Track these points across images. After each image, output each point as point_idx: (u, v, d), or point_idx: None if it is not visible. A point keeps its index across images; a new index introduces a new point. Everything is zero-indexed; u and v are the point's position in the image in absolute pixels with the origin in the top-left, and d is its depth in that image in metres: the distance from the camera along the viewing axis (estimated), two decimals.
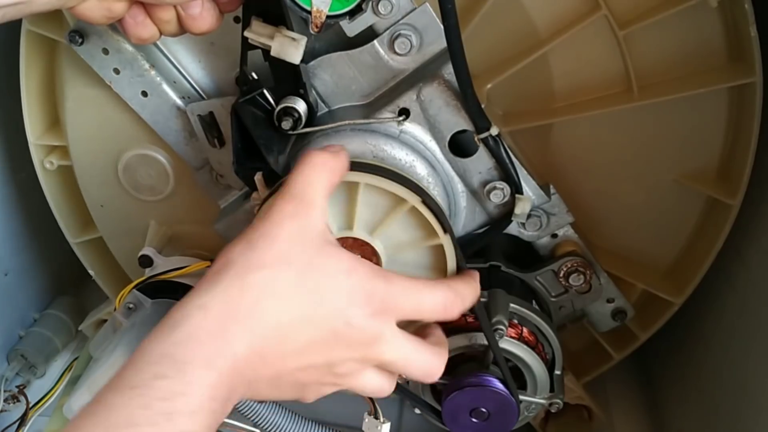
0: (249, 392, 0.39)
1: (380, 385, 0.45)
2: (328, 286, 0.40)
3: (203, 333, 0.37)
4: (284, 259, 0.40)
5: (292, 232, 0.41)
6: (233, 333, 0.37)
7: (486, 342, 0.56)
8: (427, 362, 0.45)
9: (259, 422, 0.71)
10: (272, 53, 0.48)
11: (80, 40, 0.56)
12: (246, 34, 0.49)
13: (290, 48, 0.48)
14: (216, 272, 0.39)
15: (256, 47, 0.49)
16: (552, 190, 0.58)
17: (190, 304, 0.38)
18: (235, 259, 0.39)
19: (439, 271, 0.51)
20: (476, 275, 0.50)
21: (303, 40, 0.48)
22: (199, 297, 0.38)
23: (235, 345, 0.37)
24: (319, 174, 0.43)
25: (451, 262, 0.50)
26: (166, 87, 0.59)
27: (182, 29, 0.47)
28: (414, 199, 0.48)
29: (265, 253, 0.40)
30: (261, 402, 0.54)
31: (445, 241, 0.49)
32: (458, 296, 0.46)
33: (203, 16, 0.46)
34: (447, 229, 0.49)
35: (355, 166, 0.49)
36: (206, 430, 0.35)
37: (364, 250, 0.51)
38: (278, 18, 0.48)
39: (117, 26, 0.47)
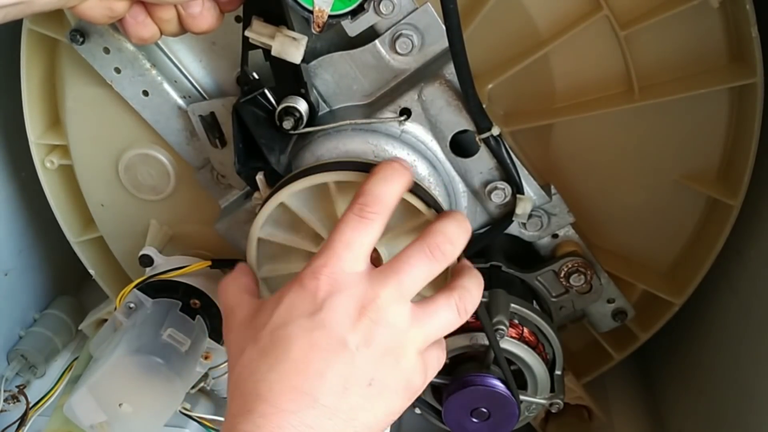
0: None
1: (444, 316, 0.44)
2: (275, 325, 0.42)
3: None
4: (239, 351, 0.43)
5: (235, 337, 0.45)
6: (239, 426, 0.39)
7: (486, 342, 0.56)
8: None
9: None
10: (273, 53, 0.48)
11: (81, 39, 0.56)
12: (247, 33, 0.49)
13: (291, 48, 0.48)
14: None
15: (257, 47, 0.49)
16: (553, 191, 0.58)
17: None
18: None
19: None
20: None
21: (304, 40, 0.48)
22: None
23: (248, 429, 0.39)
24: (231, 291, 0.48)
25: None
26: (167, 86, 0.59)
27: (183, 29, 0.47)
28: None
29: (231, 364, 0.45)
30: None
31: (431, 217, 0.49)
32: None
33: (204, 16, 0.46)
34: (434, 206, 0.49)
35: (319, 168, 0.49)
36: None
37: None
38: (279, 18, 0.48)
39: (118, 26, 0.47)
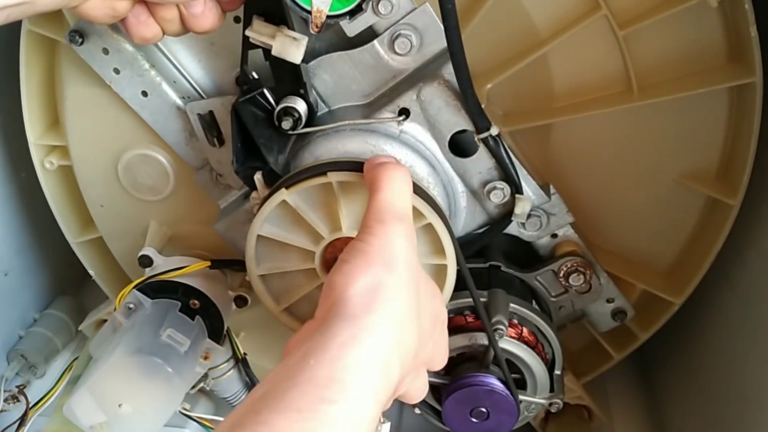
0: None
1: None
2: (425, 306, 0.42)
3: (375, 363, 0.36)
4: (411, 282, 0.40)
5: (408, 253, 0.41)
6: (394, 363, 0.37)
7: (486, 342, 0.56)
8: None
9: None
10: (273, 53, 0.48)
11: (80, 40, 0.56)
12: (247, 33, 0.49)
13: (291, 47, 0.48)
14: (372, 290, 0.38)
15: (257, 46, 0.49)
16: (552, 190, 0.58)
17: (358, 325, 0.36)
18: (384, 282, 0.39)
19: (437, 253, 0.51)
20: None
21: (304, 40, 0.48)
22: (368, 315, 0.37)
23: (395, 374, 0.37)
24: (407, 187, 0.45)
25: (448, 244, 0.50)
26: (165, 87, 0.59)
27: (185, 29, 0.47)
28: None
29: (402, 277, 0.40)
30: None
31: (433, 219, 0.49)
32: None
33: (205, 15, 0.46)
34: (432, 206, 0.49)
35: (326, 166, 0.49)
36: None
37: None
38: (280, 17, 0.48)
39: (120, 26, 0.47)
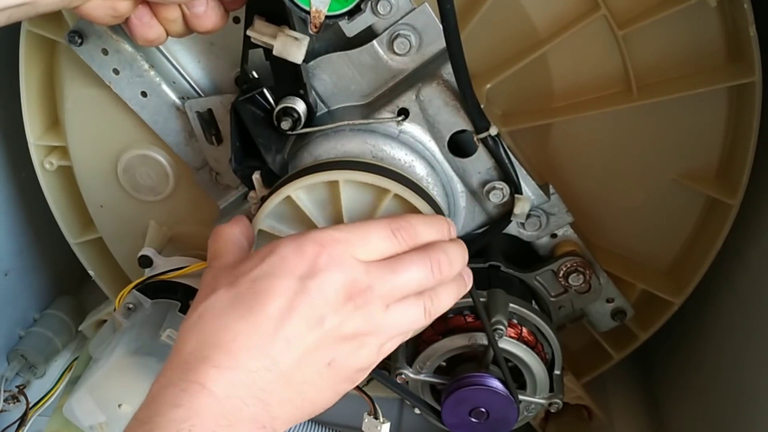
0: (274, 406, 0.38)
1: (413, 316, 0.43)
2: (260, 273, 0.40)
3: (156, 387, 0.37)
4: (210, 290, 0.41)
5: (213, 277, 0.42)
6: (190, 372, 0.37)
7: (485, 342, 0.56)
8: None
9: None
10: (274, 52, 0.48)
11: (80, 41, 0.56)
12: (249, 32, 0.49)
13: (293, 47, 0.48)
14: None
15: (257, 46, 0.49)
16: (551, 190, 0.58)
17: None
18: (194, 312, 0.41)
19: None
20: (442, 219, 0.48)
21: (305, 40, 0.48)
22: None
23: (200, 377, 0.36)
24: (224, 237, 0.46)
25: None
26: (165, 87, 0.59)
27: (188, 29, 0.47)
28: (395, 187, 0.48)
29: (197, 302, 0.41)
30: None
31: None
32: (406, 222, 0.44)
33: (208, 15, 0.46)
34: (435, 209, 0.49)
35: (332, 165, 0.49)
36: None
37: None
38: (281, 17, 0.48)
39: (123, 28, 0.47)
